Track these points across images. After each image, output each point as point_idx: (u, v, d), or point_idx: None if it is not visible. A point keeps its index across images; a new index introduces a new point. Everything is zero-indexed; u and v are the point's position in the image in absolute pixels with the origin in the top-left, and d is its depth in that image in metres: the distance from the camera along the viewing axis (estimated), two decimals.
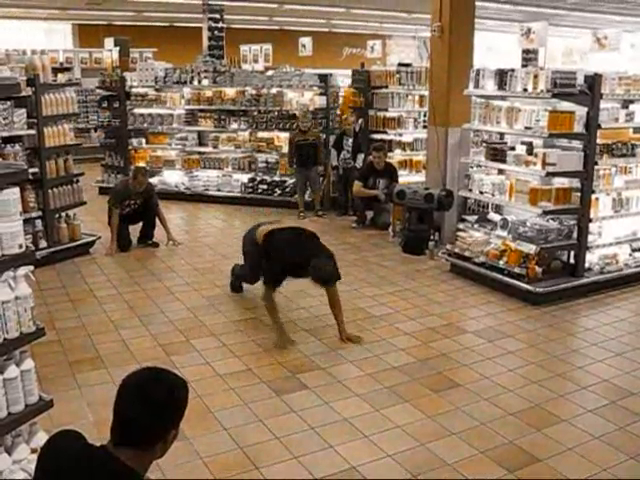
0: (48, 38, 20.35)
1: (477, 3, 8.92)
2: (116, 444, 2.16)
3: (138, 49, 17.95)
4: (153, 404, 2.18)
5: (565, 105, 6.65)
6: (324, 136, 10.93)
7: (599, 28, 9.94)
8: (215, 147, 12.09)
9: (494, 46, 23.05)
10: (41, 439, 3.31)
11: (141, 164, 11.62)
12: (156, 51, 18.87)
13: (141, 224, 8.97)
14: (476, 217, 7.72)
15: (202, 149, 12.31)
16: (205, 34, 16.36)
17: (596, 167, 6.71)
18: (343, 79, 12.64)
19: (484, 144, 7.47)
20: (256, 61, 14.68)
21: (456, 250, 7.65)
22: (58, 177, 8.07)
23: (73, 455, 2.21)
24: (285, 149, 11.23)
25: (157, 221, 8.92)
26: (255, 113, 11.65)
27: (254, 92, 11.64)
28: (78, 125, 14.92)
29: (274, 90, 11.48)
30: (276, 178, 11.55)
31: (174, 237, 9.01)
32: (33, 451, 3.22)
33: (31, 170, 7.29)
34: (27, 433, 3.33)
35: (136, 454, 2.16)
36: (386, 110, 10.83)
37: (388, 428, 4.37)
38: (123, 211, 8.72)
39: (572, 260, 7.05)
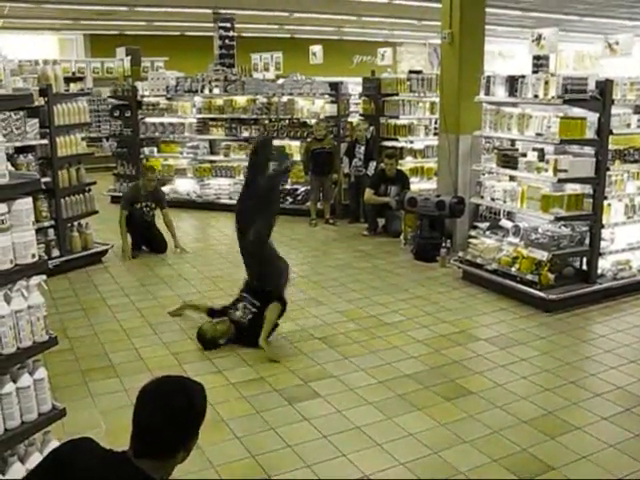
0: (60, 48, 20.51)
1: (487, 10, 8.91)
2: (137, 456, 2.13)
3: (149, 58, 18.03)
4: (174, 413, 2.15)
5: (576, 111, 6.63)
6: (336, 144, 10.94)
7: (610, 34, 9.91)
8: (226, 155, 12.13)
9: (504, 51, 23.04)
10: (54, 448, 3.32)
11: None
12: (167, 60, 18.95)
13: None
14: (488, 224, 7.69)
15: (213, 157, 12.35)
16: (216, 43, 16.43)
17: (608, 173, 6.68)
18: (354, 87, 12.66)
19: (495, 151, 7.45)
20: (267, 69, 14.74)
21: (468, 257, 7.63)
22: (70, 186, 8.11)
23: (95, 460, 2.18)
24: (296, 157, 11.25)
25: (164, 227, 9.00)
26: (266, 121, 11.68)
27: (265, 100, 11.67)
28: (90, 134, 15.01)
29: (285, 98, 11.51)
30: (287, 186, 11.56)
31: (181, 245, 9.05)
32: None
33: (44, 180, 7.35)
34: (40, 442, 3.34)
35: (157, 465, 2.15)
36: (397, 117, 10.83)
37: (401, 436, 4.35)
38: (138, 212, 8.77)
39: (585, 266, 7.02)
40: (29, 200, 3.19)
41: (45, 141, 7.53)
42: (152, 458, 2.14)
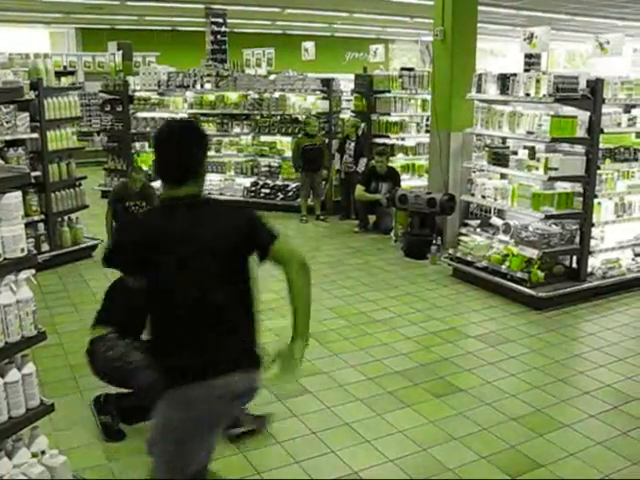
0: (52, 42, 20.42)
1: (480, 7, 8.92)
2: (182, 183, 2.81)
3: (141, 53, 17.97)
4: (200, 141, 2.97)
5: (567, 110, 6.65)
6: (327, 140, 10.94)
7: (601, 33, 9.94)
8: (218, 151, 12.09)
9: (496, 49, 23.10)
10: (42, 443, 3.31)
11: (143, 167, 11.63)
12: (159, 55, 18.91)
13: None
14: (478, 222, 7.71)
15: None
16: (208, 38, 16.41)
17: (598, 172, 6.71)
18: (346, 84, 12.65)
19: (486, 148, 7.46)
20: (259, 65, 14.71)
21: (458, 254, 7.64)
22: (61, 181, 8.07)
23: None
24: (287, 153, 11.24)
25: None
26: (258, 117, 11.66)
27: (257, 96, 11.65)
28: (81, 129, 14.97)
29: (277, 94, 11.49)
30: (278, 182, 11.55)
31: None
32: (34, 455, 3.22)
33: (34, 174, 7.34)
34: (28, 437, 3.32)
35: (199, 183, 2.90)
36: (388, 114, 10.83)
37: (390, 433, 4.36)
38: (128, 211, 8.74)
39: (574, 265, 7.04)
40: (18, 194, 3.17)
41: (35, 135, 7.50)
42: (194, 180, 2.86)
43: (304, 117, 10.91)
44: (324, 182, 10.89)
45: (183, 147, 2.86)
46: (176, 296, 2.77)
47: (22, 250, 3.18)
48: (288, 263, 2.86)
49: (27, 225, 6.61)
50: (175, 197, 2.83)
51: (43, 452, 3.27)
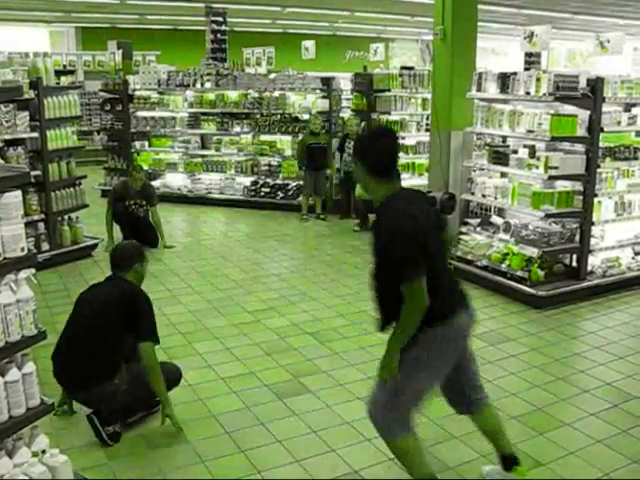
0: (51, 41, 20.41)
1: (480, 6, 8.91)
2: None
3: (141, 52, 17.97)
4: None
5: (568, 108, 6.65)
6: (328, 138, 10.94)
7: (602, 32, 9.94)
8: (218, 150, 12.10)
9: (497, 48, 23.07)
10: (42, 442, 3.31)
11: (143, 166, 11.64)
12: (159, 54, 18.90)
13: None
14: (479, 220, 7.71)
15: (205, 152, 12.33)
16: (208, 37, 16.39)
17: (598, 170, 6.71)
18: (346, 82, 12.65)
19: (487, 147, 7.46)
20: (259, 64, 14.70)
21: (458, 253, 7.64)
22: (61, 180, 8.07)
23: None
24: (287, 152, 11.24)
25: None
26: (258, 116, 11.66)
27: (257, 95, 11.65)
28: (81, 128, 14.97)
29: (277, 93, 11.49)
30: (279, 181, 11.56)
31: (167, 243, 9.01)
32: (34, 454, 3.22)
33: (33, 173, 7.34)
34: (28, 436, 3.32)
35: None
36: (389, 113, 10.81)
37: None
38: (128, 209, 8.76)
39: (575, 263, 7.05)
40: (18, 193, 3.17)
41: (35, 134, 7.51)
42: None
43: (309, 115, 10.90)
44: (327, 181, 10.89)
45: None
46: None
47: (22, 249, 3.18)
48: None
49: (27, 224, 6.62)
50: (402, 189, 3.52)
51: (44, 451, 3.27)
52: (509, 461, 3.74)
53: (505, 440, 3.77)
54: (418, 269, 3.18)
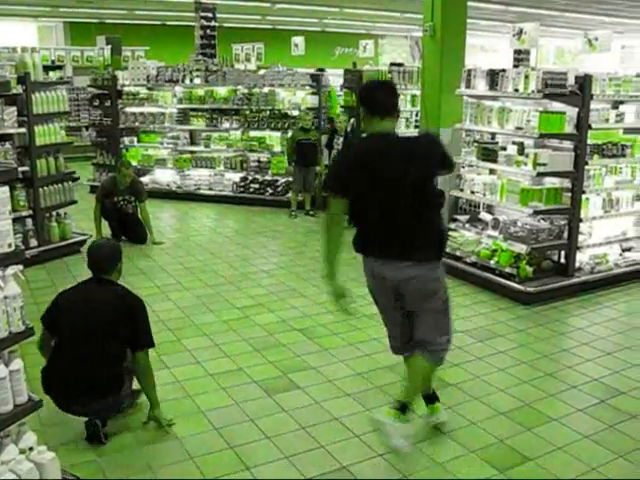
0: (39, 36, 20.26)
1: (469, 3, 8.94)
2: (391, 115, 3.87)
3: (130, 47, 17.86)
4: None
5: (556, 105, 6.67)
6: (318, 135, 10.94)
7: (590, 29, 9.97)
8: (207, 146, 12.08)
9: (486, 45, 23.11)
10: (30, 440, 3.29)
11: (132, 162, 11.61)
12: (148, 49, 18.81)
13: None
14: (467, 217, 7.73)
15: (194, 148, 12.31)
16: (197, 33, 16.30)
17: (586, 167, 6.74)
18: (335, 79, 12.63)
19: (475, 144, 7.48)
20: (248, 60, 14.64)
21: (447, 250, 7.65)
22: (49, 176, 8.03)
23: None
24: (277, 148, 11.24)
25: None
26: (247, 112, 11.65)
27: (246, 91, 11.63)
28: (69, 124, 14.88)
29: (266, 89, 11.48)
30: (268, 177, 11.55)
31: (156, 239, 8.99)
32: (22, 452, 3.20)
33: (21, 169, 7.30)
34: (15, 433, 3.31)
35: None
36: None
37: (379, 428, 4.36)
38: (117, 205, 8.74)
39: (563, 260, 7.08)
40: (5, 189, 3.15)
41: (23, 129, 7.47)
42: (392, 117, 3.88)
43: (299, 112, 10.89)
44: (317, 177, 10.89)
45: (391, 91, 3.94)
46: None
47: (10, 245, 3.17)
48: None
49: (15, 220, 6.56)
50: (388, 133, 3.84)
51: (31, 448, 3.26)
52: (430, 398, 4.32)
53: (427, 385, 4.27)
54: (334, 189, 3.84)
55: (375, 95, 3.92)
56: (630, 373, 5.24)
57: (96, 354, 4.10)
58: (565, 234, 6.94)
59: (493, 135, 7.47)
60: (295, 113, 11.11)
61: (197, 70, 12.04)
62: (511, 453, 4.10)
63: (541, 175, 6.63)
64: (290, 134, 10.78)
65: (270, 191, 11.45)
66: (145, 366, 4.24)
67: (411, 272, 3.79)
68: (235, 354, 5.48)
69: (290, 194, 10.87)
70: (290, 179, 10.94)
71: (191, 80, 12.00)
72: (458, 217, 7.80)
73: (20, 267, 3.25)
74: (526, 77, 6.61)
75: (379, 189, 3.73)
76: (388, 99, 3.88)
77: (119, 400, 4.27)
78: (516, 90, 6.74)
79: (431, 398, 4.36)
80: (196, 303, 6.71)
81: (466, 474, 3.88)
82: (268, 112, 11.50)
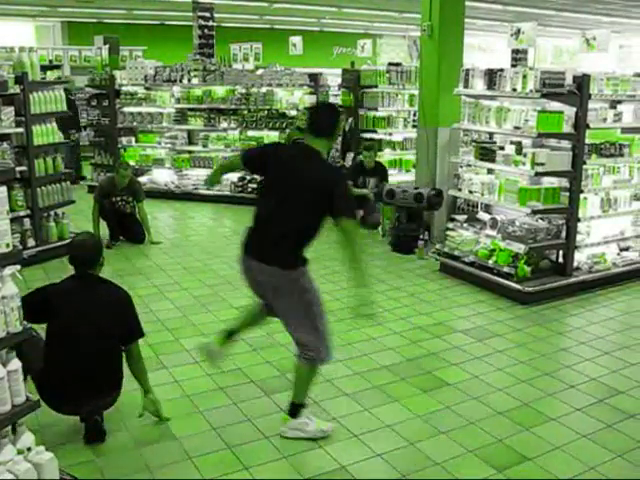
0: (37, 36, 20.24)
1: (467, 3, 8.93)
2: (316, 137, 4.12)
3: (128, 47, 17.86)
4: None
5: (554, 105, 6.68)
6: None
7: (588, 29, 9.97)
8: (205, 146, 12.07)
9: (483, 44, 23.11)
10: (28, 440, 3.29)
11: (130, 162, 11.59)
12: (146, 49, 18.80)
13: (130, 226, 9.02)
14: (465, 216, 7.73)
15: (192, 148, 12.29)
16: (195, 32, 16.29)
17: (585, 167, 6.74)
18: (333, 78, 12.65)
19: (473, 144, 7.48)
20: (246, 60, 14.63)
21: (445, 249, 7.67)
22: (47, 175, 8.02)
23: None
24: None
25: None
26: (245, 112, 11.64)
27: (244, 91, 11.63)
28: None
29: (264, 89, 11.47)
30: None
31: (154, 239, 8.99)
32: (19, 452, 3.20)
33: (19, 168, 7.29)
34: (13, 434, 3.30)
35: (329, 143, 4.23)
36: (376, 109, 10.82)
37: (377, 427, 4.37)
38: (115, 205, 8.74)
39: (561, 259, 7.09)
40: (3, 189, 3.15)
41: (21, 129, 7.45)
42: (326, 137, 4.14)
43: (297, 111, 10.88)
44: None
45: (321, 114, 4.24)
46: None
47: (7, 245, 3.16)
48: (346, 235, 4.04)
49: (13, 220, 6.55)
50: (305, 144, 4.19)
51: (29, 449, 3.25)
52: (293, 407, 4.25)
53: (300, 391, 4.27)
54: (242, 155, 4.41)
55: (315, 116, 4.25)
56: (628, 372, 5.24)
57: (98, 352, 4.10)
58: (563, 234, 6.95)
59: (491, 135, 7.48)
60: (293, 113, 11.11)
61: (195, 70, 12.02)
62: (509, 453, 4.10)
63: (539, 175, 6.63)
64: (287, 133, 10.77)
65: None
66: (137, 354, 4.26)
67: (265, 273, 4.09)
68: (233, 354, 5.47)
69: None
70: None
71: (189, 80, 11.99)
72: (456, 217, 7.81)
73: (18, 267, 3.24)
74: (524, 77, 6.61)
75: (266, 187, 4.27)
76: (323, 122, 4.16)
77: (118, 393, 4.28)
78: (514, 90, 6.74)
79: (292, 408, 4.26)
80: (194, 303, 6.71)
81: (464, 474, 3.88)
82: (266, 112, 11.49)
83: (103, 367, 4.14)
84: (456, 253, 7.50)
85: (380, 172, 9.76)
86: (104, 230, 8.81)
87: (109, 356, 4.18)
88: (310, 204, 4.02)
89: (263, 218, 4.15)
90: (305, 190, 4.00)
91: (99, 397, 4.14)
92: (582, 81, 6.54)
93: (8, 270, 3.18)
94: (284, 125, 11.10)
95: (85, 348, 4.06)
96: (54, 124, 8.13)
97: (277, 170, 4.14)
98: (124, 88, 12.38)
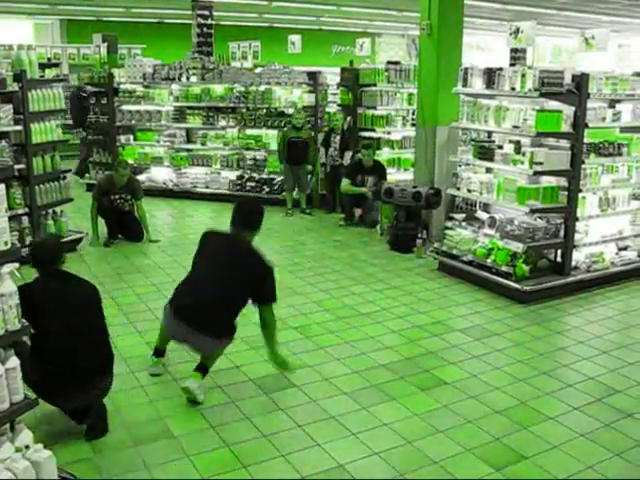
0: (36, 34, 20.21)
1: (466, 2, 8.93)
2: (242, 229, 5.00)
3: (127, 45, 17.85)
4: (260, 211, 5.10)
5: (553, 104, 6.67)
6: (313, 134, 10.93)
7: (587, 28, 9.98)
8: (203, 144, 12.05)
9: (482, 43, 23.11)
10: (26, 438, 3.29)
11: (129, 160, 11.59)
12: (145, 47, 18.78)
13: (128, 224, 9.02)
14: (464, 215, 7.73)
15: (190, 146, 12.27)
16: (194, 31, 16.29)
17: (583, 166, 6.74)
18: (332, 77, 12.63)
19: (472, 142, 7.48)
20: (245, 58, 14.65)
21: (444, 248, 7.67)
22: (45, 173, 8.01)
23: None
24: (273, 147, 11.22)
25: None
26: (243, 110, 11.62)
27: (243, 89, 11.61)
28: (65, 121, 14.84)
29: (263, 87, 11.46)
30: (264, 175, 11.54)
31: (153, 237, 8.99)
32: (18, 450, 3.20)
33: (17, 166, 7.28)
34: (12, 432, 3.31)
35: (253, 234, 5.03)
36: (375, 108, 10.81)
37: (375, 426, 4.38)
38: (113, 204, 8.74)
39: (559, 258, 7.09)
40: (2, 187, 3.15)
41: (19, 127, 7.43)
42: (251, 231, 5.00)
43: (290, 110, 10.89)
44: (309, 176, 10.87)
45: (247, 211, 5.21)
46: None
47: (6, 243, 3.17)
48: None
49: (11, 218, 6.57)
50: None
51: (27, 447, 3.25)
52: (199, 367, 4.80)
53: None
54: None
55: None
56: (626, 371, 5.25)
57: (89, 342, 4.19)
58: (561, 233, 6.95)
59: (490, 134, 7.48)
60: (291, 111, 11.10)
61: (194, 68, 12.00)
62: (507, 451, 4.11)
63: (538, 174, 6.64)
64: (281, 132, 10.76)
65: (266, 189, 11.43)
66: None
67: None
68: (231, 352, 5.46)
69: (285, 192, 10.85)
70: (284, 177, 10.94)
71: (188, 78, 11.97)
72: (455, 215, 7.81)
73: (16, 265, 3.25)
74: (523, 76, 6.61)
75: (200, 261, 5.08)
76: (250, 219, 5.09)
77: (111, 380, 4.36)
78: (513, 89, 6.73)
79: (200, 367, 4.79)
80: None
81: (462, 472, 3.89)
82: (264, 110, 11.48)
83: (99, 352, 4.25)
84: (454, 252, 7.50)
85: (379, 171, 9.76)
86: (102, 228, 8.81)
87: (98, 345, 4.27)
88: (235, 284, 4.84)
89: (201, 277, 5.04)
90: (233, 275, 4.82)
91: (98, 381, 4.22)
92: (581, 80, 6.54)
93: (6, 268, 3.19)
94: (283, 124, 11.08)
95: (78, 340, 4.10)
96: (52, 122, 8.12)
97: (209, 250, 5.18)
98: (123, 86, 12.36)
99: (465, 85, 7.41)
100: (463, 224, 7.58)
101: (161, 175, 12.29)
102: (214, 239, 5.17)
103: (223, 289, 4.70)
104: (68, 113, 13.12)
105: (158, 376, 5.06)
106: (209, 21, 16.30)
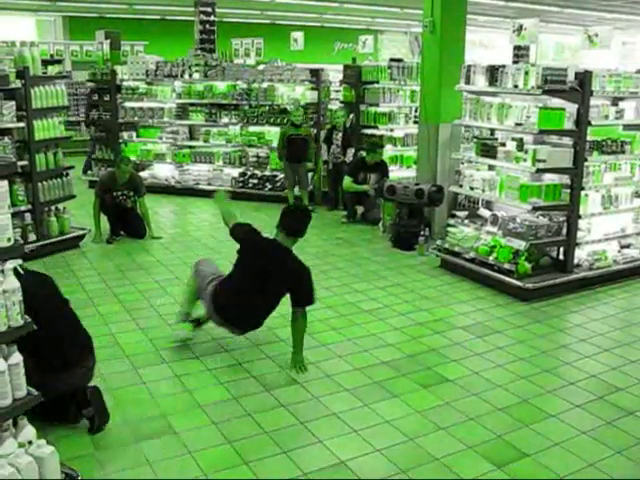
0: (38, 30, 20.22)
1: None
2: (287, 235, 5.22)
3: (129, 42, 17.85)
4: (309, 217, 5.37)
5: (556, 102, 6.66)
6: (315, 131, 10.92)
7: (590, 26, 9.97)
8: (206, 141, 12.07)
9: (485, 41, 23.08)
10: (29, 433, 3.30)
11: (131, 157, 11.60)
12: (147, 44, 18.79)
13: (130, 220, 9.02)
14: (466, 213, 7.73)
15: (193, 143, 12.29)
16: (197, 28, 16.28)
17: (586, 164, 6.74)
18: (335, 74, 12.62)
19: (475, 140, 7.48)
20: (247, 55, 14.63)
21: (446, 246, 7.67)
22: (48, 170, 8.02)
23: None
24: (275, 144, 11.22)
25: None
26: (246, 107, 11.63)
27: (245, 86, 11.61)
28: (68, 118, 14.86)
29: (265, 84, 11.46)
30: (267, 172, 11.55)
31: (155, 234, 9.00)
32: (21, 445, 3.21)
33: (20, 163, 7.29)
34: (15, 427, 3.31)
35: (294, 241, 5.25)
36: (377, 105, 10.81)
37: (377, 423, 4.38)
38: (115, 200, 8.74)
39: (561, 256, 7.09)
40: (4, 183, 3.16)
41: (22, 124, 7.45)
42: (297, 238, 5.24)
43: (291, 107, 10.88)
44: (310, 173, 10.86)
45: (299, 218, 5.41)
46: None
47: (9, 240, 3.17)
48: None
49: (14, 215, 6.55)
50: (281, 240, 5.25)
51: (30, 442, 3.26)
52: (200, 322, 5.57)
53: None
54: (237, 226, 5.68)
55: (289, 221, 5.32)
56: (628, 369, 5.25)
57: (70, 324, 4.31)
58: (564, 230, 6.94)
59: (492, 131, 7.47)
60: (292, 107, 11.10)
61: (196, 65, 12.01)
62: (509, 449, 4.11)
63: (540, 171, 6.63)
64: (281, 130, 10.74)
65: (269, 186, 11.44)
66: None
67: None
68: (233, 349, 5.49)
69: (286, 190, 10.84)
70: (284, 174, 10.93)
71: (190, 75, 11.99)
72: (457, 213, 7.81)
73: (19, 261, 3.25)
74: (526, 73, 6.60)
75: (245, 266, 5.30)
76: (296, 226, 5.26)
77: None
78: (516, 86, 6.73)
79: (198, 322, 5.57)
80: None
81: (464, 470, 3.89)
82: (267, 107, 11.48)
83: (80, 333, 4.37)
84: (457, 249, 7.50)
85: (381, 168, 9.76)
86: (105, 225, 8.82)
87: (78, 324, 4.39)
88: (275, 286, 5.23)
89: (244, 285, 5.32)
90: (274, 277, 5.17)
91: (89, 361, 4.34)
92: (584, 78, 6.54)
93: (9, 264, 3.19)
94: (285, 121, 11.08)
95: (62, 329, 4.19)
96: (55, 119, 8.12)
97: (252, 256, 5.33)
98: (125, 83, 12.37)
99: (468, 82, 7.40)
100: (465, 221, 7.57)
101: (163, 172, 12.30)
102: (258, 242, 5.39)
103: (266, 296, 5.20)
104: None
105: (185, 342, 5.48)
106: (212, 18, 16.28)
